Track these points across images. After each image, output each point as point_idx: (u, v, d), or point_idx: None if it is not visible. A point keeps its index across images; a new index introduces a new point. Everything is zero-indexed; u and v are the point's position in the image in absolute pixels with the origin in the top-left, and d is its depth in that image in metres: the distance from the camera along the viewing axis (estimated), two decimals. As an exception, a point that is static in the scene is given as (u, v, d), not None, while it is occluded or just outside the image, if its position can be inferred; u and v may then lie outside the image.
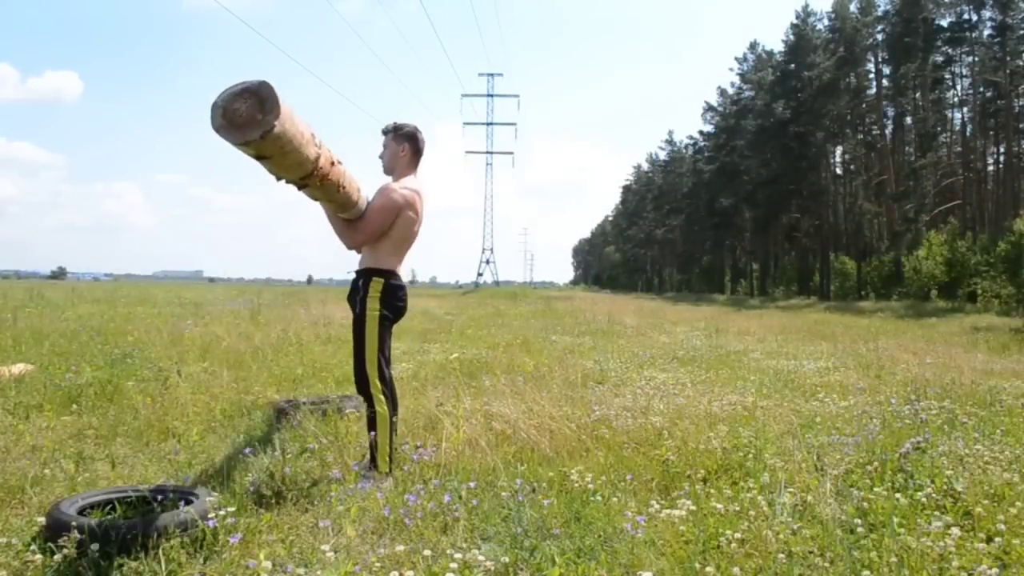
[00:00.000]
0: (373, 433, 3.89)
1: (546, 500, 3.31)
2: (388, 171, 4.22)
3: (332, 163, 3.39)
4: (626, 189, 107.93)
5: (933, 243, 34.94)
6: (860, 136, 51.42)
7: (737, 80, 62.90)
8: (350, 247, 4.17)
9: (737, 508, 3.26)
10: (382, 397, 3.92)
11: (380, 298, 3.98)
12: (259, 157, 2.94)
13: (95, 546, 2.65)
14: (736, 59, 63.21)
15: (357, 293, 4.03)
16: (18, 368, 6.73)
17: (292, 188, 3.38)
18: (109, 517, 3.19)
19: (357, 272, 4.10)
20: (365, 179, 4.04)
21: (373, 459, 3.86)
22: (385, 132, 4.23)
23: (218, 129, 2.76)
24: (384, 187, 4.08)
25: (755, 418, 5.25)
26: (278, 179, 3.25)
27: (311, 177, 3.27)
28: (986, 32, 41.80)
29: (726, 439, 4.43)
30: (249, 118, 2.72)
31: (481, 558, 2.61)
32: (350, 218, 4.04)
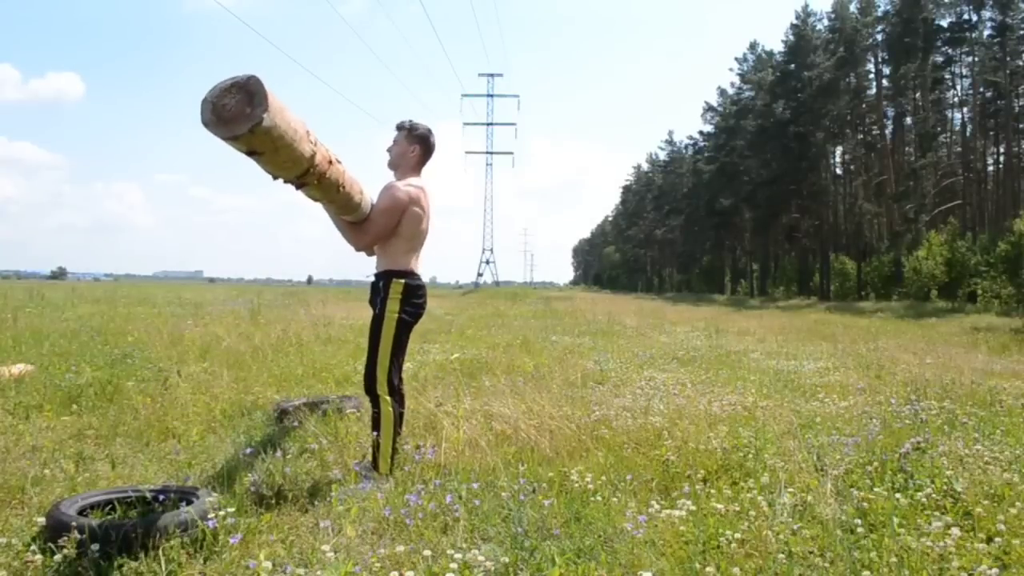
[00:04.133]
0: (376, 433, 3.89)
1: (546, 500, 3.31)
2: (392, 166, 4.19)
3: (330, 161, 3.36)
4: (626, 189, 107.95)
5: (933, 243, 34.92)
6: (860, 136, 51.41)
7: (737, 80, 62.98)
8: (358, 249, 4.16)
9: (737, 508, 3.26)
10: (388, 399, 3.91)
11: (400, 299, 3.96)
12: (251, 153, 2.91)
13: (95, 546, 2.65)
14: (736, 59, 63.29)
15: (378, 294, 4.02)
16: (18, 368, 6.73)
17: (292, 188, 3.37)
18: (109, 517, 3.19)
19: (376, 275, 4.09)
20: (367, 178, 4.03)
21: (374, 460, 3.86)
22: (400, 128, 4.19)
23: (207, 124, 2.73)
24: (387, 186, 4.05)
25: (755, 418, 5.25)
26: (275, 178, 3.23)
27: (308, 175, 3.24)
28: (986, 32, 41.83)
29: (726, 439, 4.43)
30: (238, 112, 2.69)
31: (481, 558, 2.61)
32: (355, 220, 4.01)
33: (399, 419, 3.95)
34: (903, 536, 2.87)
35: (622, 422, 4.97)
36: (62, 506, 3.04)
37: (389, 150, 4.21)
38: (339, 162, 3.48)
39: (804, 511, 3.27)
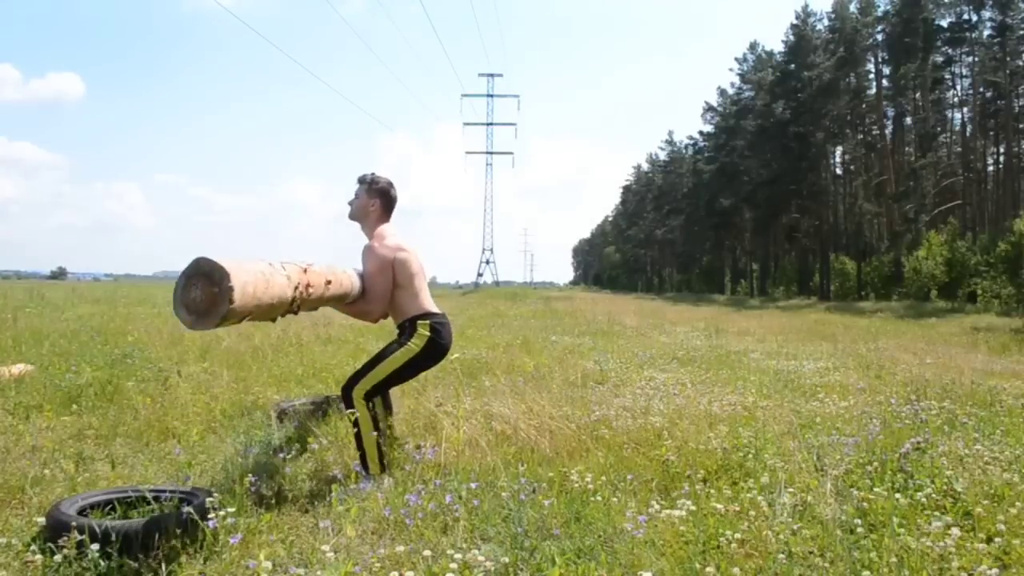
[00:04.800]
0: (356, 435, 3.92)
1: (546, 500, 3.31)
2: (354, 219, 4.27)
3: (304, 270, 3.40)
4: (626, 189, 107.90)
5: (933, 243, 34.91)
6: (860, 136, 51.40)
7: (737, 80, 62.98)
8: (374, 320, 4.23)
9: (737, 508, 3.26)
10: (362, 403, 3.91)
11: (427, 339, 4.01)
12: (244, 318, 2.96)
13: (95, 547, 2.64)
14: (736, 59, 63.27)
15: (404, 332, 4.08)
16: (18, 368, 6.73)
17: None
18: (109, 517, 3.19)
19: (399, 326, 4.14)
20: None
21: (363, 463, 3.86)
22: (360, 182, 4.27)
23: (193, 325, 2.77)
24: (366, 249, 4.11)
25: (755, 418, 5.25)
26: (274, 320, 3.34)
27: (295, 304, 3.30)
28: (986, 32, 41.83)
29: (726, 439, 4.43)
30: (209, 298, 2.73)
31: (481, 558, 2.61)
32: (355, 298, 4.06)
33: (374, 419, 3.95)
34: (903, 536, 2.87)
35: (622, 422, 4.97)
36: (62, 506, 3.04)
37: (350, 203, 4.28)
38: (310, 266, 3.51)
39: (804, 511, 3.27)
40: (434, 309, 4.16)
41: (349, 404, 3.92)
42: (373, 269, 4.04)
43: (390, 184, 4.27)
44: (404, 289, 4.08)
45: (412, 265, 4.11)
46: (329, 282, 3.64)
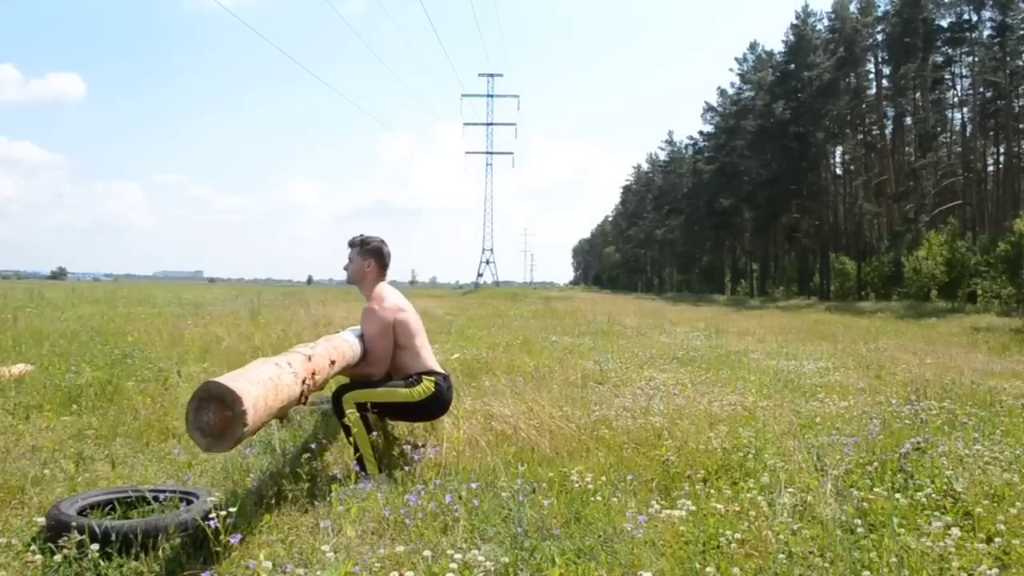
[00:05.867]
0: (351, 441, 3.93)
1: (546, 500, 3.31)
2: (352, 282, 4.34)
3: (308, 358, 3.42)
4: (626, 189, 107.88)
5: (933, 243, 34.91)
6: (860, 136, 51.39)
7: (737, 80, 62.96)
8: (378, 379, 4.21)
9: (737, 508, 3.26)
10: (353, 406, 3.91)
11: (431, 392, 4.05)
12: (259, 427, 2.97)
13: (95, 546, 2.65)
14: (736, 59, 63.25)
15: (409, 378, 4.10)
16: (18, 368, 6.73)
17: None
18: (109, 517, 3.18)
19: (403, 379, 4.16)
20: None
21: (360, 464, 3.87)
22: (351, 245, 4.33)
23: (209, 448, 2.77)
24: (367, 311, 4.16)
25: (755, 418, 5.25)
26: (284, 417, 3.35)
27: (303, 393, 3.31)
28: (986, 32, 41.80)
29: (726, 439, 4.43)
30: (222, 421, 2.71)
31: (481, 558, 2.61)
32: (357, 362, 4.07)
33: (366, 420, 3.95)
34: (903, 536, 2.87)
35: (622, 422, 4.97)
36: (62, 506, 3.04)
37: (345, 268, 4.35)
38: (312, 352, 3.52)
39: (804, 511, 3.27)
40: (436, 368, 4.22)
41: (340, 409, 3.93)
42: (375, 332, 4.09)
43: (382, 242, 4.36)
44: (406, 349, 4.14)
45: (412, 325, 4.18)
46: (333, 362, 3.70)
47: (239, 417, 2.67)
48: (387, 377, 4.18)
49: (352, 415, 3.86)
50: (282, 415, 3.30)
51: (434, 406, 4.12)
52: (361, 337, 4.13)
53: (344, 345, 3.92)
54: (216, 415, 2.70)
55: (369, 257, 4.28)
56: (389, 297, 4.18)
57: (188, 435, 2.82)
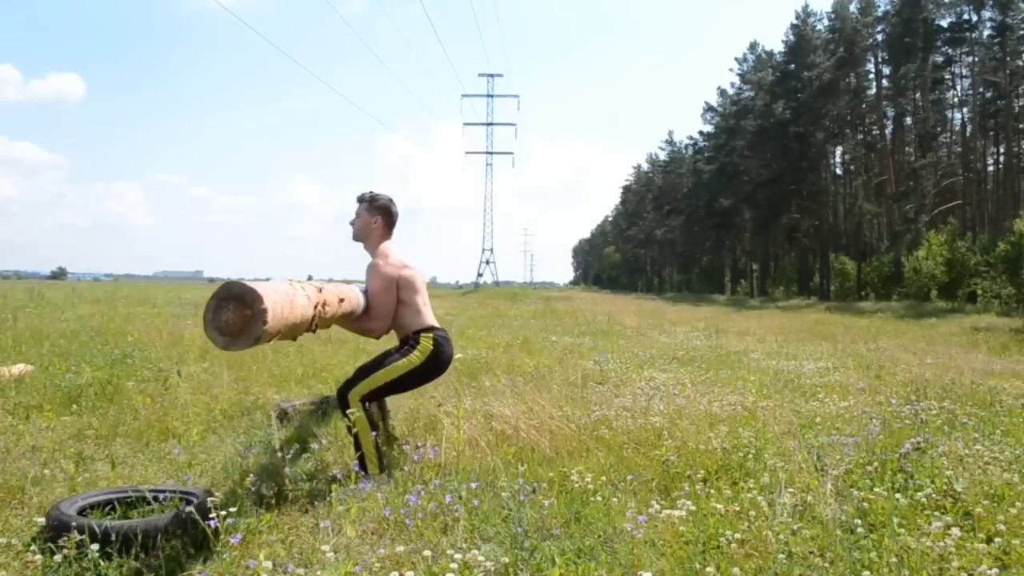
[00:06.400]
0: (354, 439, 3.91)
1: (546, 500, 3.31)
2: (357, 239, 4.29)
3: (319, 290, 3.47)
4: (626, 189, 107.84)
5: (933, 243, 34.92)
6: (860, 136, 51.39)
7: (737, 80, 62.94)
8: (378, 335, 4.23)
9: (737, 508, 3.26)
10: (359, 404, 3.92)
11: (429, 354, 4.04)
12: (273, 338, 3.01)
13: (95, 546, 2.65)
14: (736, 59, 63.25)
15: (407, 343, 4.10)
16: (18, 368, 6.73)
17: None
18: (109, 517, 3.18)
19: (401, 340, 4.16)
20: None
21: (361, 463, 3.86)
22: (360, 200, 4.29)
23: (227, 346, 2.83)
24: (371, 267, 4.14)
25: (755, 418, 5.25)
26: (295, 339, 3.40)
27: (313, 320, 3.35)
28: (986, 32, 41.80)
29: (726, 439, 4.43)
30: (242, 320, 2.78)
31: (481, 558, 2.61)
32: (359, 314, 4.07)
33: (371, 419, 3.96)
34: (903, 536, 2.87)
35: (622, 422, 4.97)
36: (62, 506, 3.04)
37: (352, 223, 4.30)
38: (322, 287, 3.57)
39: (804, 511, 3.28)
40: (436, 324, 4.21)
41: (346, 406, 3.93)
42: (378, 287, 4.07)
43: (390, 201, 4.31)
44: (407, 305, 4.12)
45: (416, 282, 4.17)
46: (342, 300, 3.72)
47: (259, 315, 2.75)
48: (386, 332, 4.19)
49: (355, 413, 3.86)
50: (294, 335, 3.27)
51: (435, 365, 4.10)
52: (365, 293, 4.12)
53: (351, 291, 3.94)
54: (235, 313, 2.78)
55: (377, 214, 4.24)
56: (394, 254, 4.17)
57: (206, 335, 2.87)
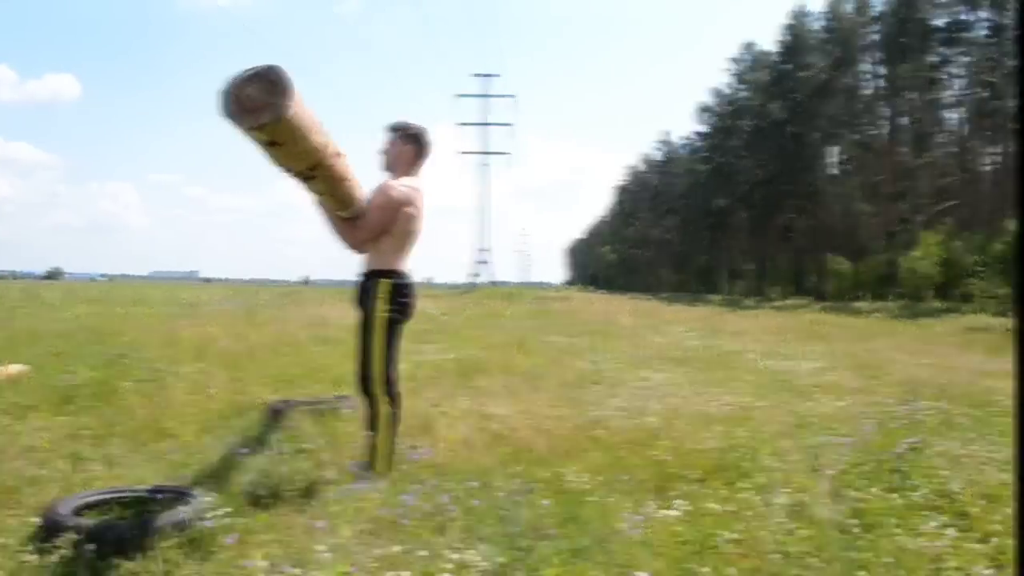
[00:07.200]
0: (371, 433, 3.87)
1: (542, 501, 3.31)
2: (388, 168, 4.14)
3: (337, 154, 3.36)
4: (621, 189, 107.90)
5: (929, 243, 34.97)
6: (856, 136, 51.42)
7: (732, 80, 62.97)
8: (353, 247, 4.09)
9: (733, 508, 3.26)
10: (386, 398, 3.89)
11: (388, 299, 3.92)
12: (270, 144, 2.90)
13: (91, 547, 2.64)
14: (732, 59, 63.28)
15: (366, 294, 3.98)
16: (13, 368, 6.71)
17: (297, 182, 3.37)
18: (105, 518, 3.18)
19: (364, 275, 4.05)
20: (364, 178, 4.02)
21: (371, 459, 3.84)
22: (392, 129, 4.15)
23: (231, 116, 2.73)
24: (382, 184, 4.03)
25: (751, 418, 5.26)
26: (286, 170, 3.21)
27: (318, 167, 3.23)
28: (982, 32, 41.88)
29: (722, 439, 4.44)
30: (261, 102, 2.70)
31: (477, 559, 2.61)
32: (349, 216, 3.97)
33: (396, 419, 3.93)
34: (899, 536, 2.88)
35: (618, 422, 4.97)
36: (57, 506, 3.03)
37: (384, 152, 4.15)
38: (344, 154, 3.47)
39: (800, 511, 3.28)
40: (405, 270, 4.07)
41: (373, 401, 3.88)
42: (380, 202, 3.95)
43: (424, 130, 4.16)
44: (394, 238, 3.99)
45: (413, 224, 4.04)
46: (347, 179, 3.60)
47: (277, 109, 2.70)
48: (362, 251, 4.06)
49: (384, 409, 3.83)
50: (293, 159, 3.10)
51: (402, 307, 3.97)
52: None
53: (359, 186, 3.82)
54: (260, 94, 2.72)
55: (409, 142, 4.11)
56: (410, 187, 4.02)
57: (218, 96, 2.78)
